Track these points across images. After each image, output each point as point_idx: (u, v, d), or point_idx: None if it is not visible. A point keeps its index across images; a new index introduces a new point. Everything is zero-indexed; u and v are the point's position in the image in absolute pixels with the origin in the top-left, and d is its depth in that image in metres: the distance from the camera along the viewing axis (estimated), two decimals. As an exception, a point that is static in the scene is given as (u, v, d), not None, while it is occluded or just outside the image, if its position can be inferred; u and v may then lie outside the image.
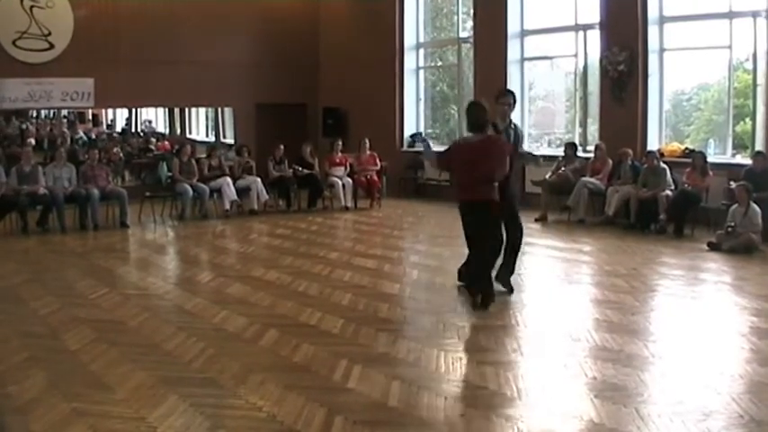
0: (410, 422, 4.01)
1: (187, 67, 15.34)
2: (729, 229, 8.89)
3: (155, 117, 18.94)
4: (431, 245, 9.87)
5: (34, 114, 16.79)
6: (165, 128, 19.00)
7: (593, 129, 12.69)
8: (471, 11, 14.49)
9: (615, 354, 5.06)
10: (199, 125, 19.34)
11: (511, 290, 6.81)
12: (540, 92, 14.60)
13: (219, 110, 17.97)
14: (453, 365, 4.90)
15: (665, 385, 4.48)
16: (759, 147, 10.27)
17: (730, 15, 10.73)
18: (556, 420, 3.99)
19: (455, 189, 6.54)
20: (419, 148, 15.31)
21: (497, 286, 6.65)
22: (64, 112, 16.54)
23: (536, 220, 11.18)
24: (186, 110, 18.49)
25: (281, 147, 13.38)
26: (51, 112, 16.61)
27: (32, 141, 15.33)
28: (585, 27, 12.53)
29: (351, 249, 9.52)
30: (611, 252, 8.92)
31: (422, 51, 15.88)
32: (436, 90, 16.40)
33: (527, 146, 10.59)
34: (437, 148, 15.16)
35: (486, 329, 5.70)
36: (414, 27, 15.67)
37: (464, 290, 6.70)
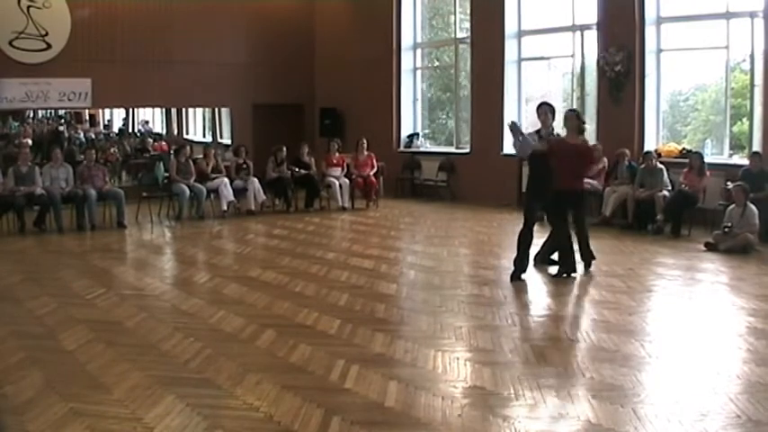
0: (407, 422, 4.00)
1: (184, 68, 15.33)
2: (726, 230, 8.91)
3: (152, 117, 18.93)
4: (427, 245, 9.87)
5: (31, 114, 16.77)
6: (162, 128, 19.00)
7: (591, 129, 12.66)
8: (468, 11, 14.49)
9: (612, 354, 5.06)
10: (196, 126, 19.34)
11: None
12: (538, 92, 14.58)
13: (216, 110, 17.96)
14: (450, 366, 4.89)
15: (662, 385, 4.48)
16: (756, 147, 10.27)
17: (727, 16, 10.75)
18: (553, 421, 3.99)
19: (555, 177, 7.50)
20: (416, 148, 15.37)
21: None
22: (61, 112, 16.52)
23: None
24: (183, 110, 18.49)
25: (284, 149, 13.32)
26: (48, 112, 16.59)
27: (29, 141, 15.32)
28: (583, 27, 12.54)
29: (348, 250, 9.51)
30: (608, 252, 8.91)
31: (419, 52, 15.87)
32: (433, 90, 16.40)
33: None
34: (434, 147, 15.43)
35: (482, 330, 5.70)
36: (411, 27, 15.67)
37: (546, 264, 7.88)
